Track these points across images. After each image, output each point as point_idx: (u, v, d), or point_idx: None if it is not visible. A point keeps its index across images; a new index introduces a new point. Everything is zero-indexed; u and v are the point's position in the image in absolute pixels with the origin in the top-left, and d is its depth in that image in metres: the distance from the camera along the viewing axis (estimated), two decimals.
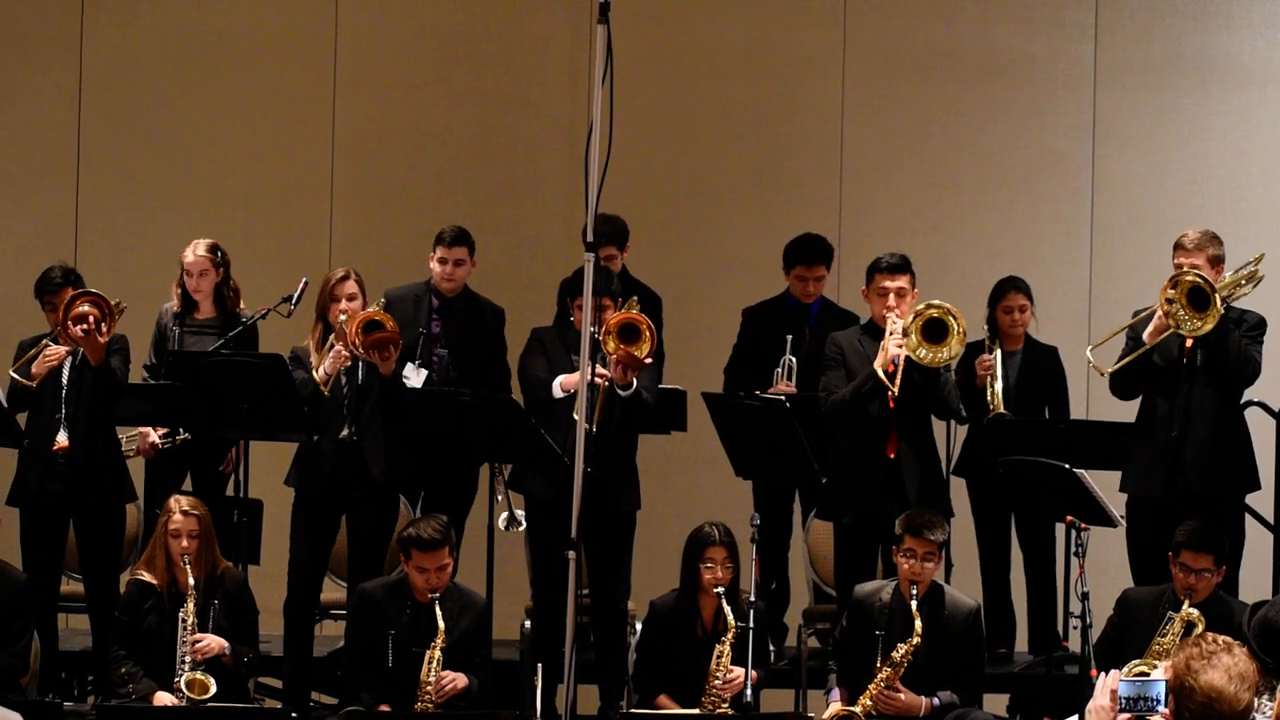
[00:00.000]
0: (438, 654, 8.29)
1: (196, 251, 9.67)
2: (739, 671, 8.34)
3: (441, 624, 8.28)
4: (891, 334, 8.80)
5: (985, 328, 9.95)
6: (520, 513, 9.18)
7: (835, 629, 8.82)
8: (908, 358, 8.75)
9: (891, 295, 8.91)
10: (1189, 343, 8.89)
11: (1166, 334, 8.84)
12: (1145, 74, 11.72)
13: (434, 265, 9.82)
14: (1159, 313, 8.81)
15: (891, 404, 8.83)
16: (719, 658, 8.40)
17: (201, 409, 9.09)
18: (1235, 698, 4.64)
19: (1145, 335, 8.92)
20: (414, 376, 9.39)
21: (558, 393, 8.89)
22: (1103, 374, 9.07)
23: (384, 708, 8.35)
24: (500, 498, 9.43)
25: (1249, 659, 4.76)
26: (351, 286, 9.04)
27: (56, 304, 9.27)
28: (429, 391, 9.30)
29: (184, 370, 9.16)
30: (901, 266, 8.98)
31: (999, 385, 9.72)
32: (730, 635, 8.39)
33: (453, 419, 8.99)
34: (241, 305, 9.77)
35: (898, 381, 8.74)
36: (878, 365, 8.77)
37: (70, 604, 9.59)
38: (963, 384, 9.68)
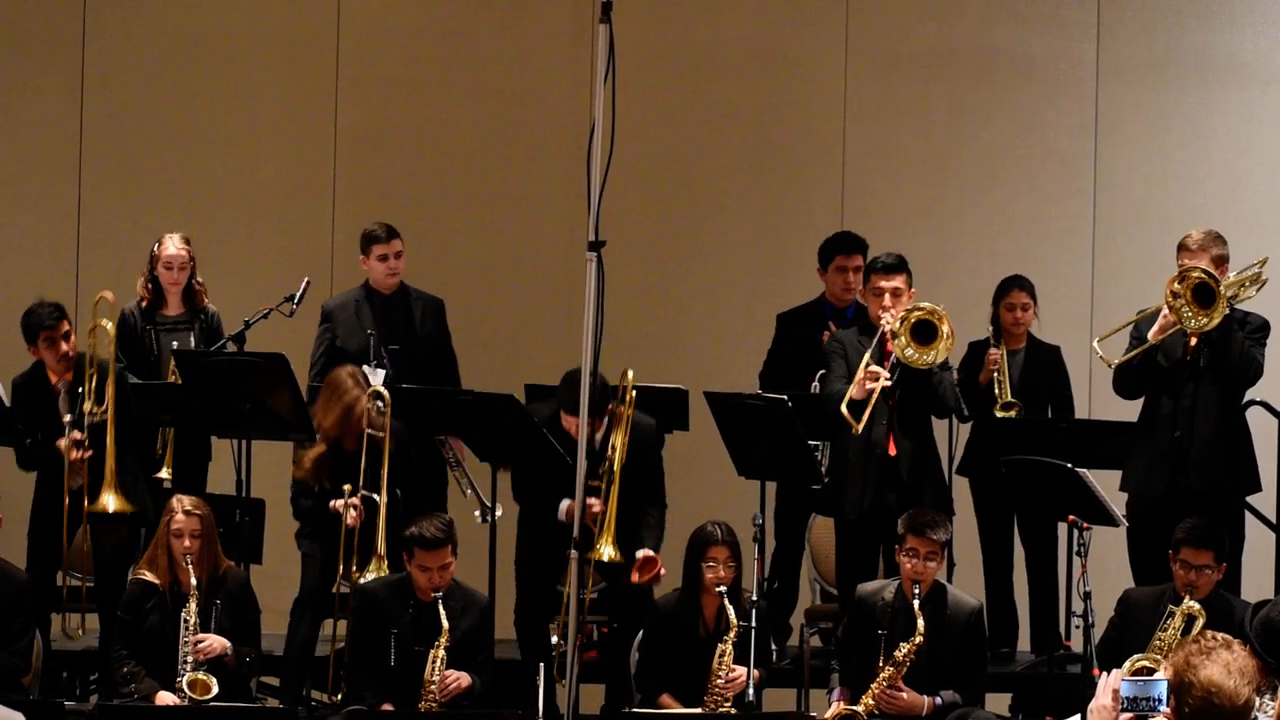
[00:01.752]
0: (441, 653, 8.28)
1: (176, 244, 9.65)
2: (741, 670, 8.33)
3: (446, 623, 8.27)
4: (868, 365, 8.77)
5: (991, 326, 9.95)
6: (490, 505, 9.17)
7: (838, 628, 8.82)
8: (899, 360, 8.76)
9: (887, 295, 8.89)
10: (1193, 341, 8.90)
11: (1171, 332, 8.84)
12: (1147, 73, 11.72)
13: (374, 265, 9.80)
14: (1164, 310, 8.82)
15: (890, 402, 8.83)
16: (721, 657, 8.40)
17: (202, 409, 9.08)
18: (1235, 692, 4.63)
19: (1150, 334, 8.92)
20: (373, 378, 9.41)
21: (561, 517, 8.88)
22: (1110, 365, 9.06)
23: (386, 707, 8.35)
24: (468, 493, 9.43)
25: (1249, 656, 4.76)
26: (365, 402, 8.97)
27: (56, 338, 9.08)
28: (427, 390, 9.31)
29: (186, 370, 9.15)
30: (897, 266, 8.96)
31: (1006, 380, 9.71)
32: (732, 634, 8.38)
33: (452, 418, 9.00)
34: (207, 301, 9.75)
35: (864, 418, 8.71)
36: (851, 394, 8.77)
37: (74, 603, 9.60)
38: (967, 382, 9.69)
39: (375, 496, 8.90)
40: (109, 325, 9.04)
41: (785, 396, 8.99)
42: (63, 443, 8.94)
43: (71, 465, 8.93)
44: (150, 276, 9.66)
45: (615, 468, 8.77)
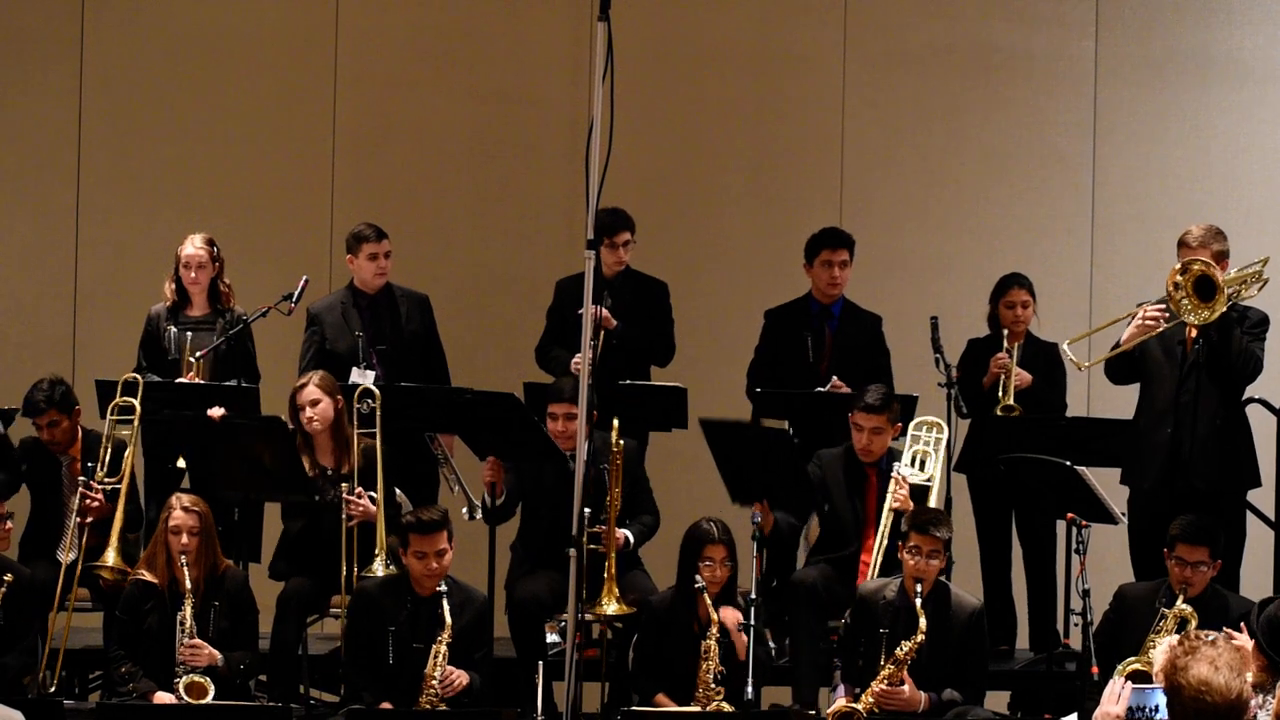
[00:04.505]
0: (444, 648, 8.26)
1: (194, 244, 9.69)
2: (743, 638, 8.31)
3: (449, 618, 8.25)
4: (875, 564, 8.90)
5: (989, 324, 9.95)
6: (478, 502, 9.18)
7: (840, 626, 8.82)
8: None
9: (866, 434, 8.99)
10: (1192, 334, 8.91)
11: (1144, 338, 8.88)
12: (1146, 70, 11.72)
13: (363, 264, 9.83)
14: (1139, 317, 8.85)
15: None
16: (705, 655, 8.36)
17: (199, 470, 9.06)
18: (1226, 686, 4.63)
19: (1123, 338, 8.96)
20: (363, 380, 9.42)
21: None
22: (1080, 369, 9.12)
23: (385, 705, 8.34)
24: (455, 490, 9.43)
25: (1234, 649, 4.76)
26: (312, 392, 9.07)
27: (41, 425, 9.35)
28: (428, 389, 9.30)
29: (181, 435, 9.14)
30: (880, 407, 9.00)
31: (1012, 383, 9.69)
32: (714, 630, 8.35)
33: (451, 417, 9.00)
34: (234, 303, 9.77)
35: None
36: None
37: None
38: (970, 380, 9.68)
39: (373, 494, 8.93)
40: (135, 402, 9.20)
41: (786, 424, 9.00)
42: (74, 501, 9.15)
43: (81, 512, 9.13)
44: (176, 277, 9.71)
45: (612, 519, 8.78)
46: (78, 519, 9.05)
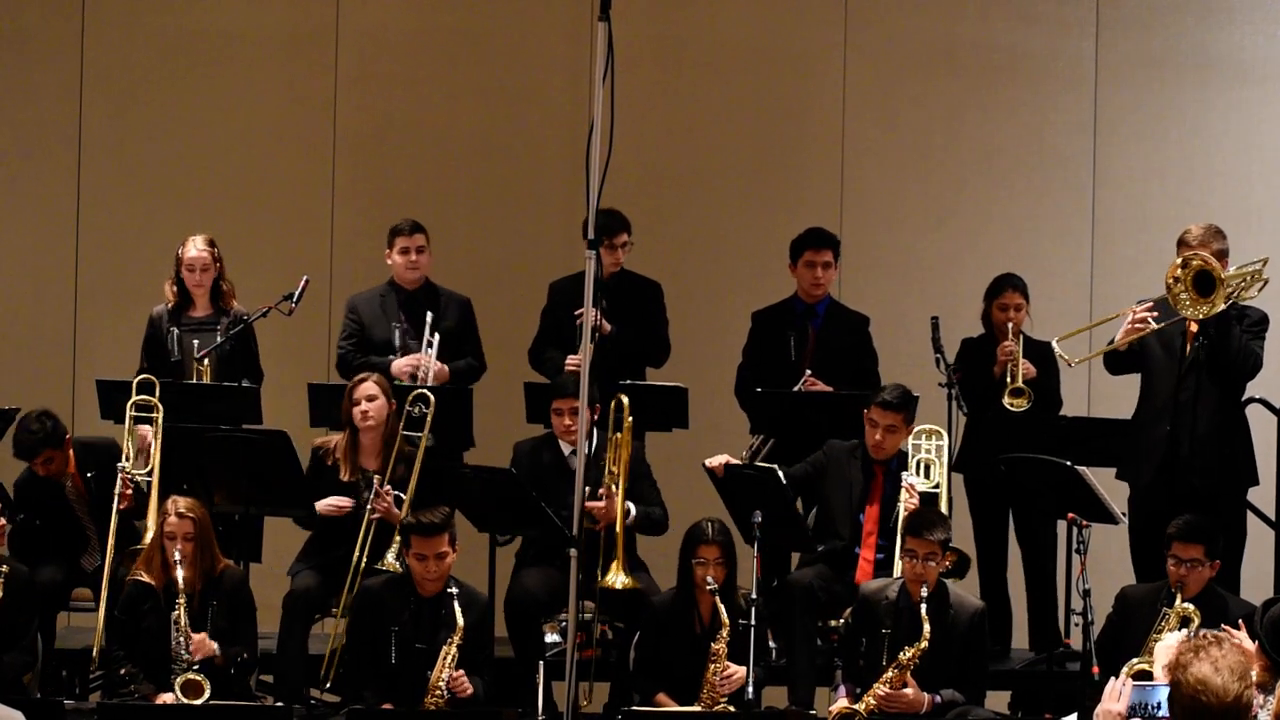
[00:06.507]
0: (454, 650, 8.25)
1: (197, 246, 9.69)
2: (738, 669, 8.32)
3: (460, 620, 8.24)
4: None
5: (983, 323, 9.96)
6: None
7: (841, 626, 8.82)
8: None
9: (880, 431, 8.97)
10: (1193, 328, 8.92)
11: (1136, 336, 8.89)
12: (1146, 71, 11.73)
13: (395, 259, 9.89)
14: (1130, 316, 8.87)
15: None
16: (714, 657, 8.37)
17: (201, 484, 9.05)
18: (1223, 688, 4.61)
19: (1117, 338, 8.97)
20: (429, 354, 9.46)
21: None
22: (1070, 364, 9.17)
23: (386, 706, 8.33)
24: None
25: (1241, 654, 4.75)
26: (369, 388, 9.10)
27: (37, 464, 9.30)
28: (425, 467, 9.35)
29: (185, 446, 9.13)
30: (899, 405, 9.00)
31: (1020, 370, 9.68)
32: (724, 633, 8.36)
33: (450, 493, 8.99)
34: (235, 302, 9.78)
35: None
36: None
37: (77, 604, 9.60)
38: (966, 378, 9.67)
39: (402, 495, 8.95)
40: (156, 400, 9.24)
41: (775, 466, 9.00)
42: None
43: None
44: (177, 279, 9.70)
45: (620, 489, 8.76)
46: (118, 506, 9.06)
